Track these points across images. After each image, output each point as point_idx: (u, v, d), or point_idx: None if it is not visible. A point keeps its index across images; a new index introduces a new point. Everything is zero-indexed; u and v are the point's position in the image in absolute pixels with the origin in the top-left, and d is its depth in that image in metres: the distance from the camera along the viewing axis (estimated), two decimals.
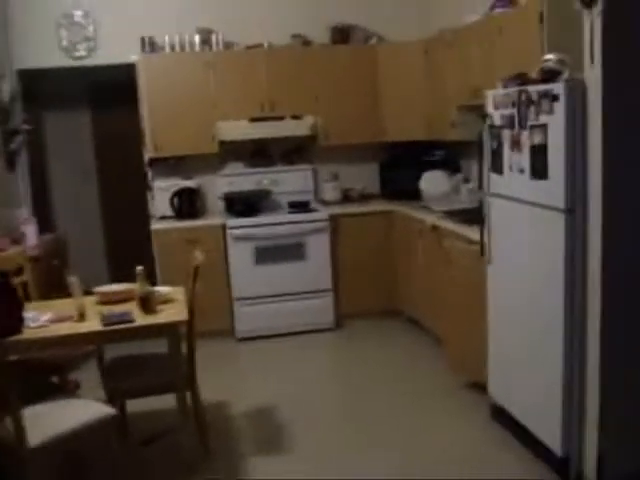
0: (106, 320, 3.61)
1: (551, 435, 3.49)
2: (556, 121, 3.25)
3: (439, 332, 5.23)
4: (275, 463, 3.91)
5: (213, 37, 6.18)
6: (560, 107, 3.21)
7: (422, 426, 4.25)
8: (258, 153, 6.57)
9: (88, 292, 4.11)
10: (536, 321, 3.59)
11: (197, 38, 6.14)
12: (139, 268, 3.81)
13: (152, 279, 5.27)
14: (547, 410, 3.51)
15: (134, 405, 4.14)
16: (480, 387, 4.44)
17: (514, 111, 3.62)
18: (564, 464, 3.43)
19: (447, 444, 3.99)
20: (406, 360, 5.33)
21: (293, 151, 6.64)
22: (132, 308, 3.79)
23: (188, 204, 6.19)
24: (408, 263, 5.88)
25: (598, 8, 3.05)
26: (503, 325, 3.97)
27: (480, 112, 4.15)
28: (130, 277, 4.39)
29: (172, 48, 6.14)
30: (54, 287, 5.08)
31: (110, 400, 3.83)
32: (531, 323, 3.64)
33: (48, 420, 3.26)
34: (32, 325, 3.60)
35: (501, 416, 4.08)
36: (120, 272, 6.10)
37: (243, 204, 6.20)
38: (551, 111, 3.28)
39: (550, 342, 3.44)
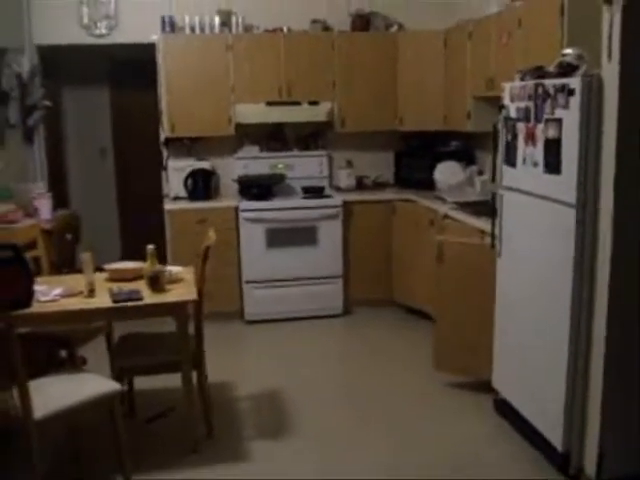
0: (115, 297, 3.65)
1: (553, 430, 3.50)
2: (571, 116, 3.23)
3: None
4: (277, 448, 3.92)
5: (233, 19, 6.18)
6: (575, 102, 3.19)
7: (423, 415, 4.28)
8: (274, 137, 6.57)
9: (99, 269, 4.15)
10: (543, 316, 3.58)
11: (217, 20, 6.14)
12: (150, 247, 3.84)
13: (164, 258, 5.32)
14: (550, 405, 3.51)
15: (144, 382, 4.19)
16: (473, 382, 4.48)
17: (530, 104, 3.60)
18: (565, 460, 3.44)
19: (448, 436, 4.00)
20: (412, 351, 5.31)
21: (309, 136, 6.64)
22: (141, 286, 3.82)
23: (202, 185, 6.21)
24: (420, 253, 5.87)
25: (619, 4, 3.03)
26: (510, 318, 3.97)
27: (496, 104, 4.13)
28: (143, 255, 4.42)
29: (192, 29, 6.14)
30: (66, 262, 5.12)
31: (117, 377, 3.87)
32: (538, 317, 3.64)
33: (54, 393, 3.30)
34: (42, 299, 3.63)
35: (504, 409, 4.09)
36: (133, 250, 6.14)
37: (257, 187, 6.21)
38: (567, 105, 3.26)
39: (556, 337, 3.44)
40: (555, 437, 3.47)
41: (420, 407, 4.40)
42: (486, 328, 4.21)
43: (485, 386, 4.33)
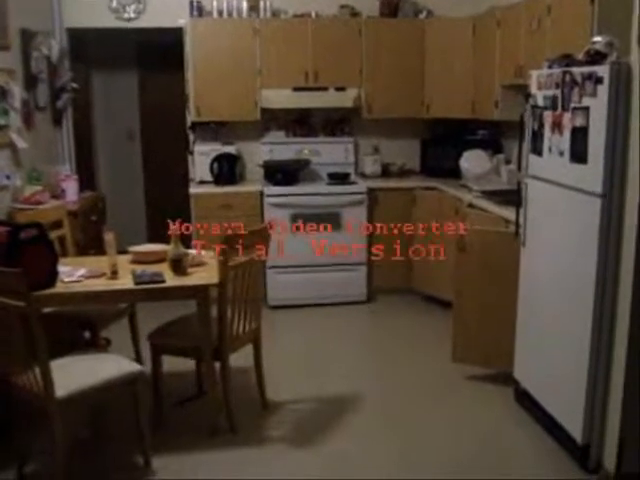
0: (137, 279, 3.68)
1: (573, 422, 3.46)
2: (599, 104, 3.18)
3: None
4: (296, 437, 3.91)
5: (261, 4, 6.17)
6: (603, 90, 3.14)
7: (443, 405, 4.27)
8: (300, 123, 6.58)
9: (123, 251, 4.18)
10: (566, 306, 3.55)
11: (245, 4, 6.13)
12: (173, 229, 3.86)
13: (189, 242, 5.34)
14: (571, 397, 3.48)
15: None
16: (493, 374, 4.45)
17: (557, 92, 3.55)
18: (584, 452, 3.41)
19: (467, 427, 3.99)
20: (435, 341, 5.26)
21: (335, 122, 6.63)
22: (164, 269, 3.84)
23: (227, 170, 6.22)
24: (443, 241, 5.82)
25: None
26: (533, 308, 3.94)
27: (524, 92, 4.09)
28: (168, 238, 4.45)
29: (220, 13, 6.14)
30: (91, 243, 5.18)
31: (152, 354, 3.97)
32: (561, 308, 3.60)
33: (76, 372, 3.34)
34: (66, 280, 3.67)
35: (525, 400, 4.06)
36: (159, 232, 6.20)
37: (282, 172, 6.22)
38: (594, 94, 3.21)
39: (578, 328, 3.40)
40: (575, 430, 3.44)
41: (440, 397, 4.39)
42: (508, 318, 4.18)
43: (505, 377, 4.32)
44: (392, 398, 4.39)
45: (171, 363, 4.09)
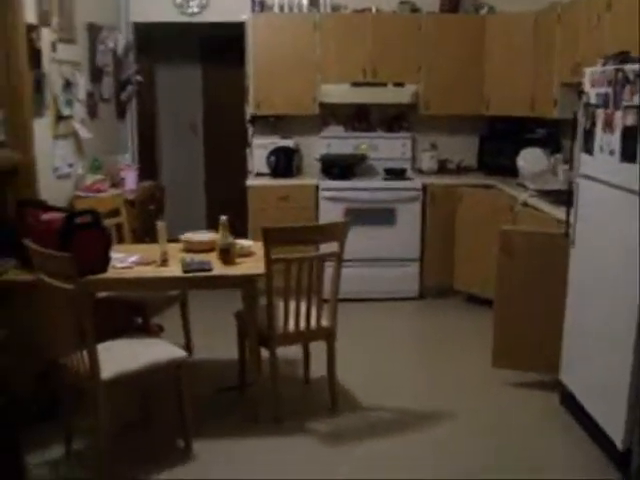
0: (186, 267, 3.77)
1: (615, 428, 3.39)
2: None
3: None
4: (334, 432, 3.92)
5: None
6: None
7: (486, 408, 4.23)
8: (358, 118, 6.60)
9: (176, 239, 4.28)
10: (613, 309, 3.48)
11: None
12: (223, 218, 3.95)
13: (244, 233, 5.44)
14: (614, 402, 3.41)
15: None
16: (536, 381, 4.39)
17: (609, 90, 3.48)
18: (625, 458, 3.34)
19: (512, 427, 3.96)
20: (482, 342, 5.21)
21: (393, 118, 6.62)
22: (213, 258, 3.94)
23: (284, 163, 6.29)
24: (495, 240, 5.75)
25: None
26: (581, 310, 3.87)
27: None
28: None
29: (281, 8, 6.22)
30: (148, 231, 5.31)
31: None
32: (608, 311, 3.53)
33: (122, 355, 3.46)
34: (118, 265, 3.80)
35: (570, 403, 4.00)
36: (218, 223, 6.32)
37: (339, 167, 6.26)
38: None
39: (624, 332, 3.33)
40: (617, 435, 3.37)
41: (484, 398, 4.35)
42: (553, 321, 4.11)
43: (552, 383, 4.26)
44: (432, 398, 4.36)
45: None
